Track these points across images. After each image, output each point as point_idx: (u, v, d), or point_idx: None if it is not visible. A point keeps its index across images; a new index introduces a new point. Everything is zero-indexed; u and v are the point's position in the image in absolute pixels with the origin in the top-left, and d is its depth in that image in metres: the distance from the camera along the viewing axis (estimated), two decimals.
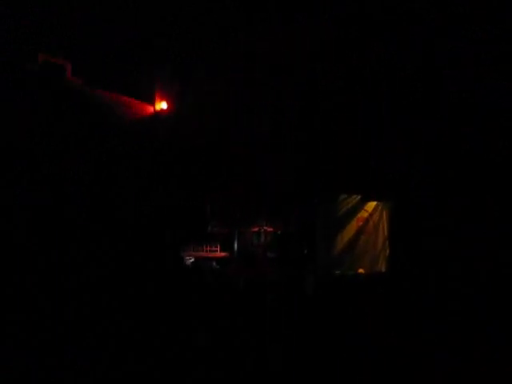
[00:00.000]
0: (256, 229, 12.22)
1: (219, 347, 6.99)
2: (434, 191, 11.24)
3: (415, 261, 11.21)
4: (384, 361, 6.68)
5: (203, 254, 12.12)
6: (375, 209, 12.50)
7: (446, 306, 9.64)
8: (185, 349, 6.80)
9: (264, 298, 10.45)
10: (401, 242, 11.96)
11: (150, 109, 10.77)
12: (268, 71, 10.94)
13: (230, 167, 11.82)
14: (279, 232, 12.15)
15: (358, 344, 7.35)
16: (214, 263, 11.80)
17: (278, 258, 11.78)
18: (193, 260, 12.04)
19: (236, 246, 12.20)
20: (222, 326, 8.14)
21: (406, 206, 12.05)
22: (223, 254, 12.09)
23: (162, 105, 10.84)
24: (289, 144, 11.79)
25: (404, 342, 7.55)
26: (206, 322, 8.31)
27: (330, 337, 7.77)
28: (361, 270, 11.80)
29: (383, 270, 12.09)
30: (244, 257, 11.85)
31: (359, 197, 12.24)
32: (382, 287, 11.06)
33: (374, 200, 12.48)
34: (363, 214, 12.36)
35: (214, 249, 12.19)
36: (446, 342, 7.54)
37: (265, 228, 12.23)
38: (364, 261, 12.05)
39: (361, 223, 12.25)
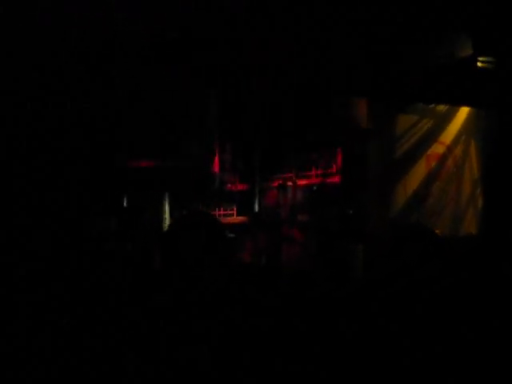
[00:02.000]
0: (281, 182, 8.79)
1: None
2: None
3: None
4: None
5: None
6: (457, 138, 8.43)
7: None
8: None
9: (289, 287, 7.15)
10: (503, 190, 7.95)
11: None
12: None
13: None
14: (315, 186, 8.62)
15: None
16: (227, 232, 8.67)
17: (313, 223, 8.34)
18: None
19: (257, 207, 8.92)
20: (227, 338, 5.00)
21: None
22: (240, 218, 8.90)
23: None
24: None
25: None
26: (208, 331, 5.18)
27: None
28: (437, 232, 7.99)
29: (472, 232, 8.19)
30: (264, 222, 8.54)
31: (428, 120, 8.17)
32: (472, 260, 7.26)
33: (469, 105, 8.27)
34: (437, 149, 8.35)
35: (228, 212, 9.04)
36: None
37: (294, 180, 8.76)
38: (441, 220, 8.19)
39: (434, 163, 8.28)
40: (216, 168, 8.41)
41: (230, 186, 9.03)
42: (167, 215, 9.13)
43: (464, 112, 8.60)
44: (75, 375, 3.74)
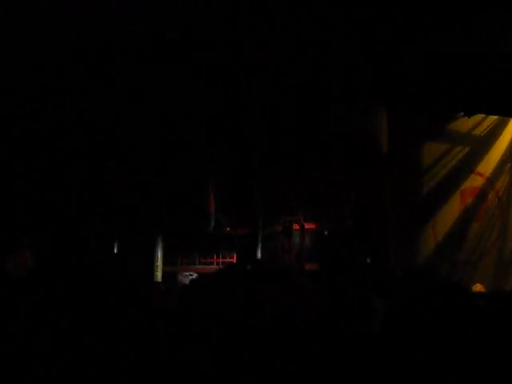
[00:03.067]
0: (287, 225, 7.46)
1: None
2: None
3: None
4: None
5: (210, 268, 7.82)
6: (499, 168, 6.84)
7: None
8: None
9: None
10: None
11: None
12: None
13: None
14: (325, 231, 7.24)
15: None
16: None
17: (324, 273, 6.94)
18: (194, 277, 7.80)
19: (260, 253, 7.63)
20: None
21: None
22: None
23: None
24: None
25: None
26: None
27: None
28: (478, 287, 6.31)
29: None
30: (268, 271, 7.20)
31: (462, 148, 6.63)
32: None
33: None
34: (474, 182, 6.78)
35: (227, 260, 7.81)
36: None
37: (301, 223, 7.42)
38: (482, 270, 6.54)
39: (470, 199, 6.71)
40: (211, 207, 7.22)
41: (228, 229, 7.81)
42: (159, 263, 8.03)
43: (508, 135, 7.02)
44: None
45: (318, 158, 7.17)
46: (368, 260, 6.79)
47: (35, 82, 5.95)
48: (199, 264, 8.11)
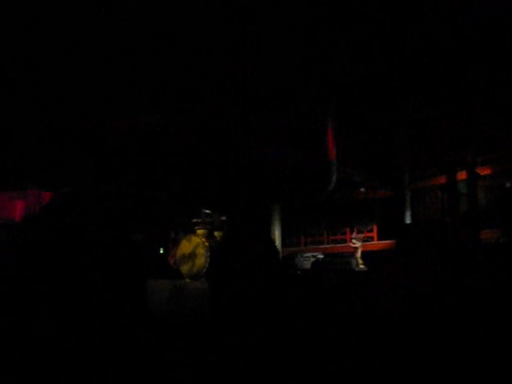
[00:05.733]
0: (451, 177, 4.94)
1: None
2: None
3: None
4: None
5: (339, 246, 5.66)
6: None
7: None
8: None
9: None
10: None
11: None
12: None
13: None
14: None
15: None
16: (353, 261, 5.16)
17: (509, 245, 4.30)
18: (316, 259, 5.76)
19: (410, 221, 5.21)
20: None
21: None
22: (383, 243, 5.32)
23: None
24: None
25: None
26: None
27: None
28: None
29: None
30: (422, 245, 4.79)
31: None
32: None
33: None
34: None
35: (362, 236, 5.54)
36: None
37: (475, 172, 4.82)
38: None
39: None
40: (332, 154, 5.05)
41: (363, 191, 5.54)
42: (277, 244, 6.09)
43: None
44: None
45: None
46: None
47: None
48: (328, 243, 5.99)
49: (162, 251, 5.33)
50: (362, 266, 5.05)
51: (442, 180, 5.01)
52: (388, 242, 5.33)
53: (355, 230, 5.61)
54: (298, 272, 5.42)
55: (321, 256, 5.69)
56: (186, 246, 4.13)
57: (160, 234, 5.38)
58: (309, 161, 5.03)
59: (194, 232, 4.21)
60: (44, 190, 5.01)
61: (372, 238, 5.51)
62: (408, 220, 5.20)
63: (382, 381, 2.26)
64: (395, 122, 5.11)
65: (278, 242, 5.93)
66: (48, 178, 4.71)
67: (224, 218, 4.79)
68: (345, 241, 5.77)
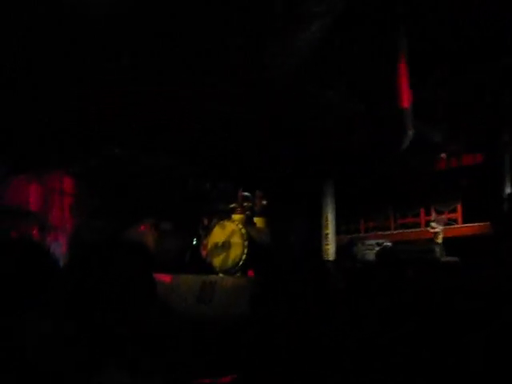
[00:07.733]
0: None
1: None
2: None
3: None
4: None
5: (410, 232, 4.38)
6: None
7: None
8: None
9: None
10: None
11: None
12: None
13: None
14: None
15: None
16: (437, 250, 3.87)
17: None
18: (383, 248, 4.47)
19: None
20: None
21: None
22: (469, 227, 3.99)
23: None
24: None
25: None
26: None
27: None
28: None
29: None
30: None
31: None
32: None
33: None
34: None
35: (444, 217, 4.22)
36: None
37: None
38: None
39: None
40: (405, 101, 3.65)
41: (444, 157, 4.22)
42: (330, 230, 4.88)
43: None
44: None
45: None
46: None
47: None
48: (395, 228, 4.70)
49: (195, 242, 4.29)
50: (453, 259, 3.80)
51: None
52: (477, 224, 4.01)
53: (432, 210, 4.33)
54: (358, 265, 4.24)
55: (388, 244, 4.43)
56: (218, 234, 3.28)
57: (192, 221, 4.32)
58: (374, 109, 3.81)
59: (229, 217, 3.30)
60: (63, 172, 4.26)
61: (455, 221, 4.21)
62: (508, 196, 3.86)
63: None
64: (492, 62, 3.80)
65: (330, 229, 4.77)
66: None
67: (265, 202, 3.65)
68: (418, 225, 4.48)
